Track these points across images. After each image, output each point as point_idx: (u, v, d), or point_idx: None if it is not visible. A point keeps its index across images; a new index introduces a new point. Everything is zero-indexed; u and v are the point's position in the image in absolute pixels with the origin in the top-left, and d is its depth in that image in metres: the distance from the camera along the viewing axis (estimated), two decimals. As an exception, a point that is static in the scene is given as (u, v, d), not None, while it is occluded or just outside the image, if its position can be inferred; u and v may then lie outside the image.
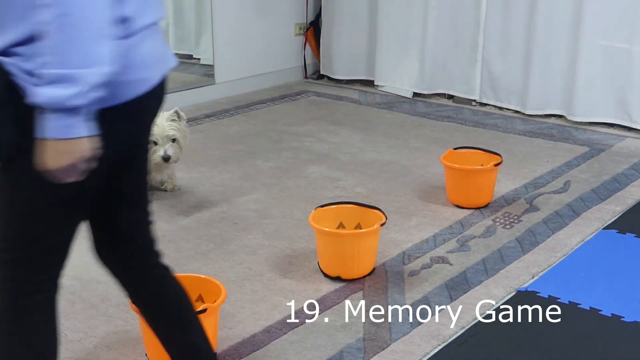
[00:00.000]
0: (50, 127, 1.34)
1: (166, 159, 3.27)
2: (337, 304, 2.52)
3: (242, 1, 5.26)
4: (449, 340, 2.32)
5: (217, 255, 2.88)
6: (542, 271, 2.76)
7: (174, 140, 3.29)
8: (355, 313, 2.46)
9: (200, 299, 2.28)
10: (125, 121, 1.53)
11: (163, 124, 3.27)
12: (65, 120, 1.34)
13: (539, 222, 3.16)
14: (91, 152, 1.40)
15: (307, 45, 5.79)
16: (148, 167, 1.74)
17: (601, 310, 2.48)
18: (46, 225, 1.56)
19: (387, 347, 2.27)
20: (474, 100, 5.07)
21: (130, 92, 1.49)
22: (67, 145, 1.36)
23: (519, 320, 2.44)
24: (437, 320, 2.42)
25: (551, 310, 2.49)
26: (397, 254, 2.87)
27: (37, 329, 1.60)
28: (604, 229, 3.12)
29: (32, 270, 1.58)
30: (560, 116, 4.72)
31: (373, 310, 2.47)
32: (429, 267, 2.77)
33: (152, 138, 3.25)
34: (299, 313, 2.46)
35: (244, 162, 3.92)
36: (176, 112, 3.33)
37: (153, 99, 1.60)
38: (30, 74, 1.37)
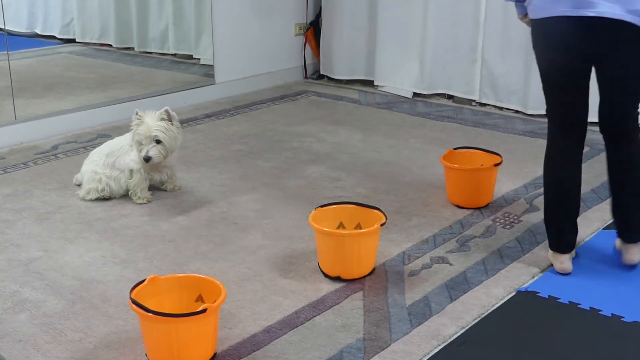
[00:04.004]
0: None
1: (147, 159, 3.25)
2: (337, 304, 2.52)
3: (242, 1, 5.26)
4: (449, 340, 2.33)
5: (217, 255, 2.88)
6: (542, 271, 2.76)
7: (158, 141, 3.27)
8: (355, 313, 2.46)
9: (200, 299, 2.28)
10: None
11: (149, 124, 3.25)
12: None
13: (539, 222, 3.16)
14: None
15: (307, 45, 5.79)
16: None
17: (601, 310, 2.48)
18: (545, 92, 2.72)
19: (387, 347, 2.27)
20: (474, 100, 5.07)
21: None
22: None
23: (519, 320, 2.44)
24: (437, 320, 2.42)
25: (551, 310, 2.49)
26: (397, 254, 2.87)
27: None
28: (604, 229, 3.12)
29: (548, 114, 2.78)
30: (560, 116, 4.72)
31: (373, 310, 2.47)
32: (429, 267, 2.77)
33: (138, 138, 3.25)
34: (299, 313, 2.46)
35: (244, 162, 3.92)
36: (166, 112, 3.29)
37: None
38: None
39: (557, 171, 2.71)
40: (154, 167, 3.36)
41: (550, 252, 2.79)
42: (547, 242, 2.97)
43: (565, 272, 2.72)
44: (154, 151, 3.25)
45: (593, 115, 4.54)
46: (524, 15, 2.83)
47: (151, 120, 3.25)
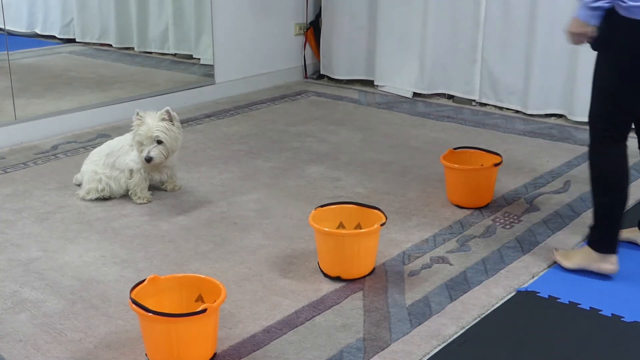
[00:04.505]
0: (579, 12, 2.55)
1: (148, 160, 3.25)
2: (337, 304, 2.52)
3: (242, 1, 5.26)
4: (449, 340, 2.33)
5: (217, 255, 2.88)
6: (542, 271, 2.76)
7: (159, 142, 3.27)
8: (355, 313, 2.46)
9: (200, 299, 2.28)
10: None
11: (150, 124, 3.25)
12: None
13: (539, 222, 3.16)
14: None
15: (307, 45, 5.79)
16: None
17: (601, 310, 2.48)
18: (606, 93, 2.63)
19: (387, 347, 2.27)
20: (474, 100, 5.07)
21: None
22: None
23: (519, 320, 2.44)
24: (437, 320, 2.42)
25: (551, 310, 2.49)
26: (397, 254, 2.88)
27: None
28: (604, 229, 3.11)
29: (603, 122, 2.65)
30: (561, 116, 4.72)
31: (373, 310, 2.48)
32: (429, 267, 2.77)
33: (139, 139, 3.25)
34: (299, 313, 2.46)
35: (244, 162, 3.92)
36: (167, 112, 3.29)
37: None
38: None
39: (614, 172, 2.68)
40: (155, 167, 3.36)
41: (595, 255, 2.71)
42: (547, 241, 2.97)
43: (614, 273, 2.69)
44: (155, 152, 3.25)
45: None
46: (595, 26, 2.54)
47: (152, 121, 3.25)
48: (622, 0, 2.43)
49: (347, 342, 2.30)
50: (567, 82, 4.59)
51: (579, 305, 2.52)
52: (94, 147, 3.61)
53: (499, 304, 2.53)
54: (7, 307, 2.50)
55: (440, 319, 2.43)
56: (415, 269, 2.76)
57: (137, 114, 3.27)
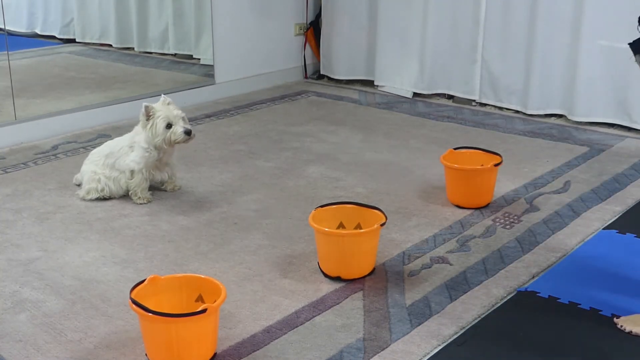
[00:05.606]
0: None
1: (188, 132, 3.28)
2: (337, 304, 2.52)
3: (242, 1, 5.26)
4: (449, 340, 2.33)
5: (217, 255, 2.88)
6: (542, 271, 2.76)
7: (183, 119, 3.31)
8: (355, 313, 2.46)
9: (200, 299, 2.28)
10: None
11: (167, 108, 3.29)
12: None
13: (539, 222, 3.16)
14: None
15: (307, 45, 5.79)
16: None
17: (601, 311, 2.48)
18: None
19: (387, 347, 2.27)
20: (474, 100, 5.07)
21: None
22: None
23: (519, 320, 2.44)
24: (437, 320, 2.42)
25: (551, 310, 2.49)
26: (397, 254, 2.87)
27: None
28: (604, 229, 3.12)
29: None
30: (561, 116, 4.72)
31: (373, 310, 2.48)
32: (429, 267, 2.77)
33: (164, 122, 3.25)
34: (299, 313, 2.46)
35: (244, 162, 3.92)
36: (165, 98, 3.33)
37: None
38: None
39: None
40: (156, 166, 3.38)
41: None
42: (547, 242, 2.97)
43: None
44: (188, 125, 3.30)
45: (596, 115, 4.56)
46: None
47: (164, 106, 3.30)
48: None
49: (347, 342, 2.30)
50: (567, 82, 4.59)
51: (579, 305, 2.52)
52: (94, 147, 3.61)
53: (499, 304, 2.53)
54: (7, 307, 2.50)
55: (440, 319, 2.43)
56: (415, 269, 2.76)
57: (147, 107, 3.27)
